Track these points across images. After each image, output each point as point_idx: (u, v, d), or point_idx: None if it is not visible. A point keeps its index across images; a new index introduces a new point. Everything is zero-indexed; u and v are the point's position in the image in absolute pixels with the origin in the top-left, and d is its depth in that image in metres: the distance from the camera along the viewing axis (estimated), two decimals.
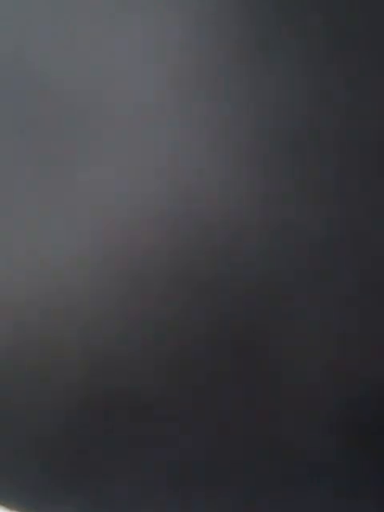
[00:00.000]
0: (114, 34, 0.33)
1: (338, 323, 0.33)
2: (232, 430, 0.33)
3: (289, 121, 0.32)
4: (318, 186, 0.32)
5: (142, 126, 0.33)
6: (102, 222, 0.33)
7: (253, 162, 0.32)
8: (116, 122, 0.33)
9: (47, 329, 0.33)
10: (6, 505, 0.34)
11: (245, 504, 0.33)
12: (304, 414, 0.33)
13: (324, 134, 0.32)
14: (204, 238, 0.33)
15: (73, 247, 0.33)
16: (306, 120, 0.32)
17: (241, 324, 0.33)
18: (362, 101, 0.32)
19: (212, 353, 0.33)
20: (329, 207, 0.32)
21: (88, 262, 0.33)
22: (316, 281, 0.33)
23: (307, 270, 0.33)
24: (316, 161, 0.32)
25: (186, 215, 0.33)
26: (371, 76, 0.32)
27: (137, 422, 0.33)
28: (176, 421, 0.33)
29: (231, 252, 0.33)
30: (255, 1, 0.32)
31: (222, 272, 0.33)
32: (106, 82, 0.33)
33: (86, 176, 0.33)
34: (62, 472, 0.34)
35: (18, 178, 0.33)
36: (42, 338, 0.33)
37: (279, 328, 0.33)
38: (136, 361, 0.33)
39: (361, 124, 0.32)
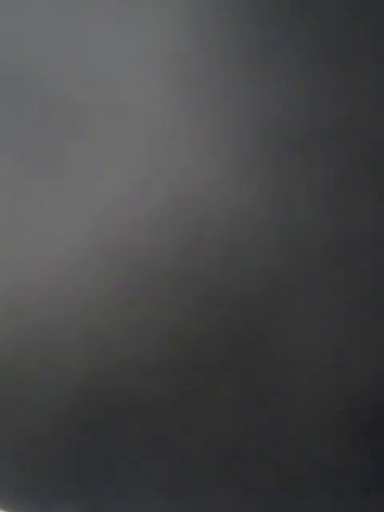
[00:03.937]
0: (106, 36, 0.33)
1: (338, 324, 0.33)
2: (232, 431, 0.33)
3: (288, 121, 0.32)
4: (318, 187, 0.32)
5: (141, 127, 0.33)
6: (99, 224, 0.33)
7: (252, 163, 0.33)
8: (114, 123, 0.33)
9: (47, 330, 0.33)
10: (6, 507, 0.34)
11: (245, 504, 0.33)
12: (305, 414, 0.33)
13: (324, 134, 0.32)
14: (204, 238, 0.33)
15: (73, 249, 0.33)
16: (305, 121, 0.32)
17: (241, 325, 0.33)
18: (362, 101, 0.32)
19: (213, 353, 0.33)
20: (329, 208, 0.32)
21: (88, 263, 0.33)
22: (317, 282, 0.33)
23: (308, 272, 0.33)
24: (316, 162, 0.32)
25: (186, 217, 0.33)
26: (372, 77, 0.32)
27: (137, 422, 0.33)
28: (176, 421, 0.33)
29: (231, 253, 0.33)
30: (256, 4, 0.32)
31: (222, 274, 0.33)
32: (104, 85, 0.33)
33: (85, 177, 0.33)
34: (61, 473, 0.34)
35: (17, 180, 0.34)
36: (41, 339, 0.34)
37: (280, 329, 0.33)
38: (136, 361, 0.33)
39: (361, 125, 0.32)
